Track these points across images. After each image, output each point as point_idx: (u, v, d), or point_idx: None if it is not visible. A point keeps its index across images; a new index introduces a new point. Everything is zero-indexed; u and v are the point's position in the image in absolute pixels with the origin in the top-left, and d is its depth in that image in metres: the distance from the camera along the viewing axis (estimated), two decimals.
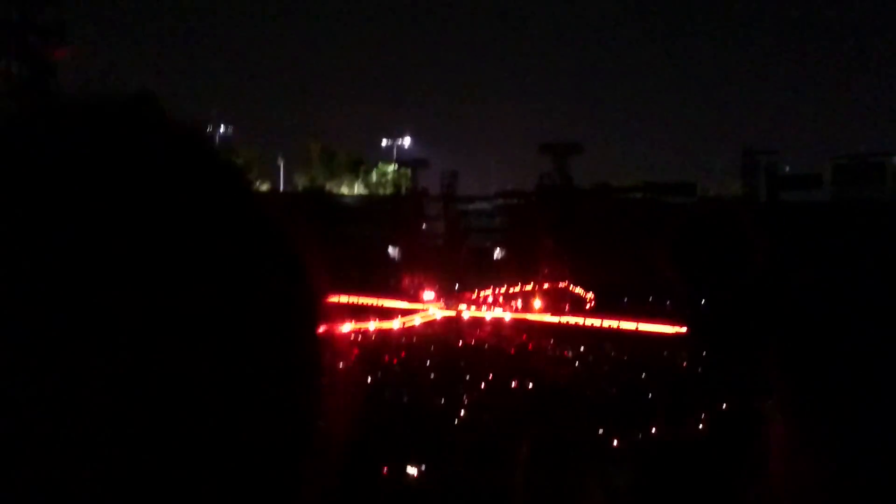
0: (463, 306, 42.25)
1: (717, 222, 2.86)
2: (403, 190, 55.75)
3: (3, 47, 33.70)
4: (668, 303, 31.30)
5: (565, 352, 26.97)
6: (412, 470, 10.71)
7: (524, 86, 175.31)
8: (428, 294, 46.98)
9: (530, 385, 19.59)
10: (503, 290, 43.95)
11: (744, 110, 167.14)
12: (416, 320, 39.54)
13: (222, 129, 76.33)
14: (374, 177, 77.64)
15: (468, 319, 39.48)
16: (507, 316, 39.49)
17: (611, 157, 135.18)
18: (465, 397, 18.20)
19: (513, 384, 19.60)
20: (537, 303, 41.95)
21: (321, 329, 0.68)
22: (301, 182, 74.03)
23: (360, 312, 39.02)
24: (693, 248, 2.82)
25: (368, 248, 53.29)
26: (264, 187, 76.24)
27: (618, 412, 15.59)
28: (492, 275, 46.24)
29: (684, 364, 21.78)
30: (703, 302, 2.88)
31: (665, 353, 24.73)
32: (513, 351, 27.96)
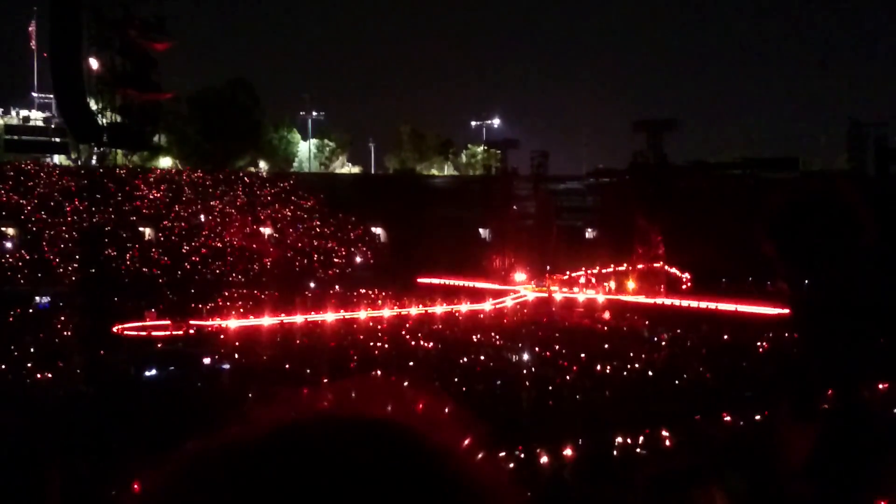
0: (555, 287, 41.93)
1: (821, 199, 2.63)
2: (493, 171, 55.54)
3: (105, 42, 35.07)
4: (768, 284, 30.21)
5: (661, 334, 26.37)
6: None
7: (615, 62, 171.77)
8: (519, 275, 46.83)
9: (623, 370, 19.24)
10: (596, 270, 43.35)
11: (850, 79, 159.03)
12: (508, 301, 39.50)
13: (314, 114, 77.82)
14: (463, 158, 77.74)
15: (560, 301, 39.13)
16: (601, 297, 38.96)
17: (707, 133, 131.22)
18: (556, 380, 18.02)
19: (606, 368, 19.29)
20: (631, 284, 41.19)
21: None
22: (391, 164, 74.84)
23: (452, 294, 39.28)
24: (796, 227, 2.62)
25: (459, 229, 53.46)
26: (356, 170, 77.55)
27: (716, 396, 15.14)
28: (584, 255, 45.63)
29: (789, 347, 20.96)
30: (806, 283, 2.67)
31: (767, 335, 23.88)
32: (605, 332, 27.55)
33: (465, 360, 21.01)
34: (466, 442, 0.70)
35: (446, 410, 0.75)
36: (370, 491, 0.62)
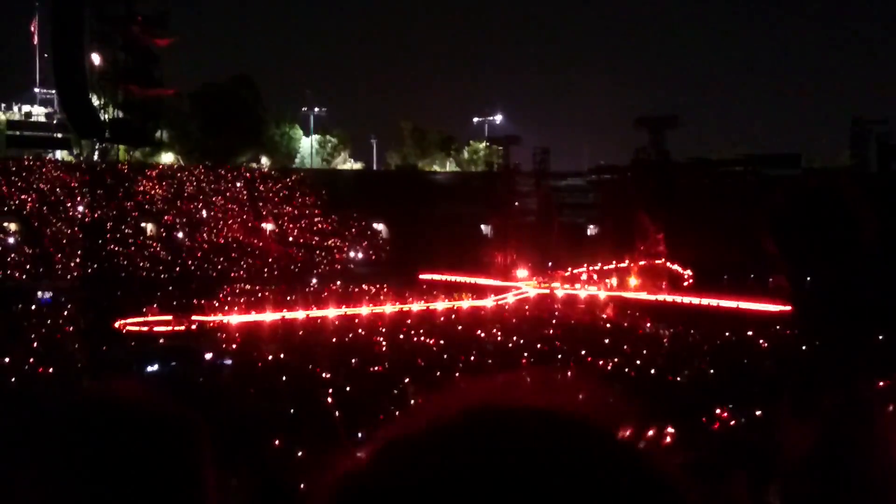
0: (556, 284, 41.92)
1: (823, 196, 2.64)
2: (495, 167, 55.51)
3: (108, 38, 35.14)
4: (770, 281, 30.23)
5: (661, 330, 26.36)
6: None
7: (618, 58, 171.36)
8: (521, 271, 46.82)
9: (625, 367, 19.25)
10: (598, 267, 43.33)
11: (852, 77, 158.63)
12: (510, 298, 39.51)
13: (316, 110, 77.70)
14: (465, 154, 77.66)
15: (562, 297, 39.13)
16: (602, 294, 38.96)
17: (709, 129, 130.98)
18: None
19: (608, 365, 19.29)
20: (633, 280, 41.18)
21: None
22: (393, 161, 74.81)
23: (454, 290, 39.28)
24: (797, 224, 2.62)
25: (460, 225, 53.45)
26: (358, 166, 77.50)
27: (717, 393, 15.14)
28: (586, 252, 45.62)
29: (790, 343, 20.97)
30: (807, 280, 2.68)
31: (769, 332, 23.87)
32: (607, 329, 27.55)
33: (472, 357, 20.99)
34: (644, 437, 0.71)
35: (621, 407, 0.75)
36: (565, 484, 0.62)
